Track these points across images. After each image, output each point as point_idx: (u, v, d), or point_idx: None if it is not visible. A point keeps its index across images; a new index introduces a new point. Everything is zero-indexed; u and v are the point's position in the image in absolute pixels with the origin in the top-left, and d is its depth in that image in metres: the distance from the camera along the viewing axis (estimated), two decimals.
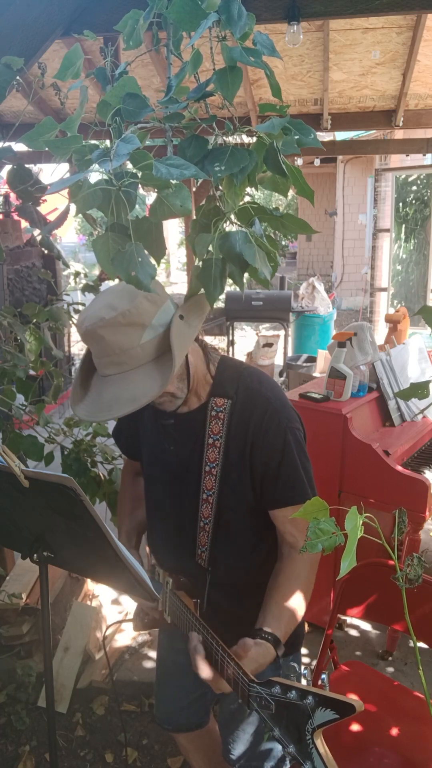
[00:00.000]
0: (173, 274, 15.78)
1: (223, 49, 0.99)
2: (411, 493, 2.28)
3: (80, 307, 2.58)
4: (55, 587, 2.70)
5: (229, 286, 1.21)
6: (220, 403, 1.30)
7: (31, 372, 2.32)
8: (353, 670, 1.85)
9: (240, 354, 7.34)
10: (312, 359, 6.23)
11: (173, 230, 16.36)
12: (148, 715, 2.32)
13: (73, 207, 1.12)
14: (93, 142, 1.04)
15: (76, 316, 2.58)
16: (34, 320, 2.29)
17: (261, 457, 1.28)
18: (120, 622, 2.56)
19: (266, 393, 1.31)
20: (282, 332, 6.62)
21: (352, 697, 0.87)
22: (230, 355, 1.42)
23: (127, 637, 2.64)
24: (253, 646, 1.09)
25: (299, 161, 7.34)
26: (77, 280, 2.89)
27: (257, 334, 7.38)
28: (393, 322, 3.23)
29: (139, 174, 0.95)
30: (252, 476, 1.30)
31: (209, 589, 1.37)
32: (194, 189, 5.33)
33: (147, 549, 1.57)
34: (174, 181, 0.96)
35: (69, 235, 17.80)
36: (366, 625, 2.78)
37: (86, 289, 2.49)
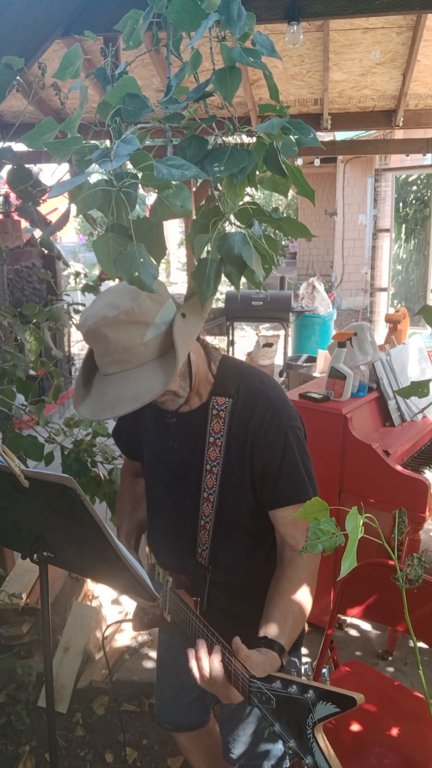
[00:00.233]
0: (173, 274, 15.77)
1: (223, 49, 0.99)
2: (411, 493, 2.28)
3: (80, 307, 2.58)
4: (55, 587, 2.70)
5: (229, 286, 1.21)
6: (222, 402, 1.30)
7: (31, 372, 2.32)
8: (353, 670, 1.85)
9: (240, 354, 7.34)
10: (312, 359, 6.23)
11: (173, 230, 16.35)
12: (148, 715, 2.33)
13: (73, 207, 1.12)
14: (93, 142, 1.04)
15: (76, 316, 2.58)
16: (34, 320, 2.29)
17: (262, 457, 1.28)
18: (120, 622, 2.56)
19: (267, 392, 1.31)
20: (282, 332, 6.62)
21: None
22: (230, 355, 1.42)
23: (127, 637, 2.64)
24: (259, 655, 1.07)
25: (299, 161, 7.34)
26: (77, 280, 2.89)
27: (257, 334, 7.38)
28: (393, 322, 3.23)
29: (140, 175, 0.95)
30: (252, 475, 1.30)
31: (209, 588, 1.37)
32: (194, 189, 5.33)
33: (147, 548, 1.57)
34: (174, 182, 0.96)
35: (69, 235, 17.80)
36: (366, 625, 2.78)
37: (86, 289, 2.49)
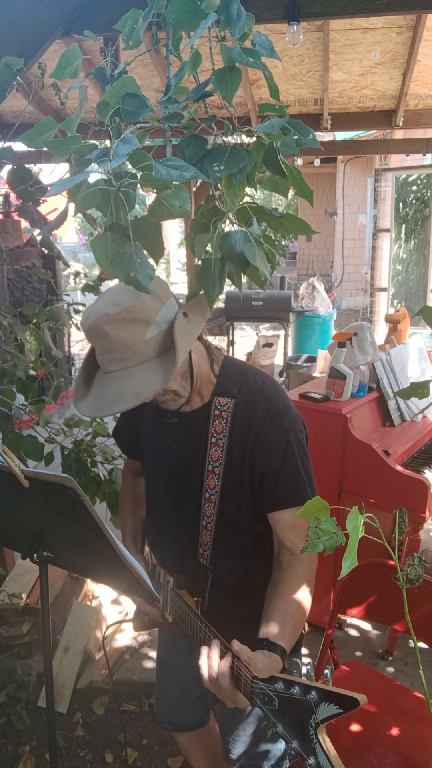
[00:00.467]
0: (173, 274, 15.77)
1: (222, 49, 0.99)
2: (411, 493, 2.28)
3: (80, 307, 2.58)
4: (55, 587, 2.70)
5: (229, 286, 1.21)
6: (224, 403, 1.30)
7: (31, 372, 2.32)
8: (353, 670, 1.85)
9: (240, 354, 7.34)
10: (312, 359, 6.23)
11: (173, 230, 16.35)
12: (148, 715, 2.32)
13: (72, 207, 1.12)
14: (92, 141, 1.04)
15: (76, 316, 2.58)
16: (34, 320, 2.29)
17: (262, 458, 1.28)
18: (120, 622, 2.56)
19: (269, 393, 1.31)
20: (282, 332, 6.62)
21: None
22: (232, 356, 1.43)
23: (127, 637, 2.64)
24: (263, 657, 1.07)
25: (299, 161, 7.34)
26: (77, 280, 2.89)
27: (257, 334, 7.37)
28: (393, 322, 3.23)
29: (139, 174, 0.95)
30: (252, 476, 1.30)
31: (210, 588, 1.37)
32: (194, 189, 5.33)
33: (147, 548, 1.57)
34: (173, 183, 0.96)
35: (69, 235, 17.79)
36: (366, 625, 2.78)
37: (86, 289, 2.49)
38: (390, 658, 2.57)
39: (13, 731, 2.28)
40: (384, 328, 4.75)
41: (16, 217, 5.43)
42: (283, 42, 3.39)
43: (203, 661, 1.08)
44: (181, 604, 1.32)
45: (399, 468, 2.33)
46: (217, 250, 1.03)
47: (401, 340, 3.08)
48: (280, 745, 1.46)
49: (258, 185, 1.11)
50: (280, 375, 6.40)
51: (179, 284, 14.58)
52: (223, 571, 1.37)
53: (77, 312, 2.59)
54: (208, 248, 1.04)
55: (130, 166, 0.95)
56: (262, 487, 1.30)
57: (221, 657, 1.07)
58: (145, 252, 0.99)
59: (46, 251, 5.28)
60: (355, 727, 1.61)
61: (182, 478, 1.37)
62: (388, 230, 7.75)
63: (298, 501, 1.27)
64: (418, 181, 8.23)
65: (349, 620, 2.76)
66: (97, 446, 2.28)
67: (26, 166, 1.78)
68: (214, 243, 1.03)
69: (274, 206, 5.58)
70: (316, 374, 5.74)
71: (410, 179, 8.23)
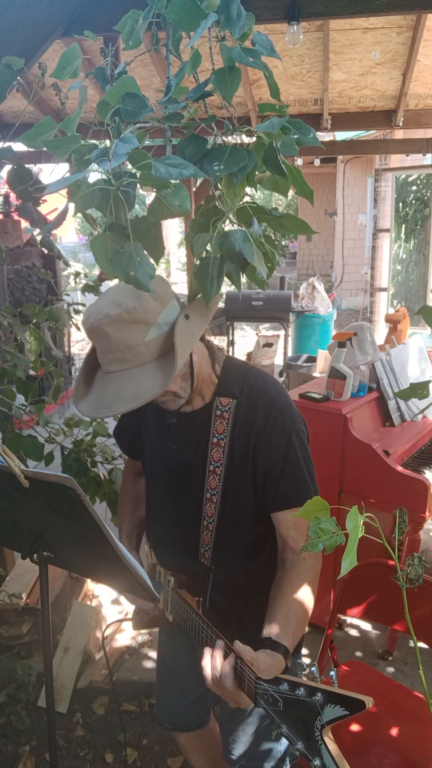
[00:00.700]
0: (173, 274, 15.77)
1: (222, 49, 0.99)
2: (411, 493, 2.28)
3: (80, 307, 2.58)
4: (55, 587, 2.70)
5: (229, 286, 1.21)
6: (225, 403, 1.30)
7: (31, 372, 2.32)
8: (353, 670, 1.85)
9: (240, 354, 7.34)
10: (312, 359, 6.23)
11: (173, 230, 16.35)
12: (148, 715, 2.32)
13: (72, 206, 1.11)
14: (92, 141, 1.04)
15: (76, 316, 2.58)
16: (34, 320, 2.29)
17: (264, 458, 1.28)
18: (120, 621, 2.56)
19: (271, 393, 1.31)
20: (282, 332, 6.62)
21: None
22: (233, 356, 1.43)
23: (127, 637, 2.64)
24: (266, 657, 1.07)
25: (299, 161, 7.34)
26: (77, 280, 2.89)
27: (257, 334, 7.37)
28: (393, 322, 3.23)
29: (138, 174, 0.95)
30: (254, 476, 1.30)
31: (211, 588, 1.37)
32: (194, 189, 5.33)
33: (147, 548, 1.57)
34: (173, 181, 0.95)
35: (69, 235, 17.79)
36: (366, 625, 2.78)
37: (86, 289, 2.49)
38: (390, 658, 2.57)
39: (13, 731, 2.28)
40: (384, 328, 4.76)
41: (16, 217, 5.43)
42: (283, 42, 3.39)
43: (206, 662, 1.08)
44: (182, 603, 1.32)
45: (399, 468, 2.33)
46: (217, 249, 1.03)
47: (401, 340, 3.08)
48: (281, 746, 1.46)
49: (258, 185, 1.11)
50: (280, 375, 6.40)
51: (179, 284, 14.58)
52: (224, 571, 1.37)
53: (77, 312, 2.59)
54: (208, 248, 1.04)
55: (129, 166, 0.95)
56: (265, 488, 1.30)
57: (224, 657, 1.07)
58: (144, 252, 0.99)
59: (46, 251, 5.28)
60: (355, 727, 1.61)
61: (183, 479, 1.37)
62: (388, 230, 7.75)
63: (300, 501, 1.26)
64: (418, 181, 8.24)
65: (349, 620, 2.76)
66: (97, 446, 2.28)
67: (26, 166, 1.78)
68: (214, 242, 1.03)
69: (274, 206, 5.59)
70: (316, 374, 5.74)
71: (410, 179, 8.23)
